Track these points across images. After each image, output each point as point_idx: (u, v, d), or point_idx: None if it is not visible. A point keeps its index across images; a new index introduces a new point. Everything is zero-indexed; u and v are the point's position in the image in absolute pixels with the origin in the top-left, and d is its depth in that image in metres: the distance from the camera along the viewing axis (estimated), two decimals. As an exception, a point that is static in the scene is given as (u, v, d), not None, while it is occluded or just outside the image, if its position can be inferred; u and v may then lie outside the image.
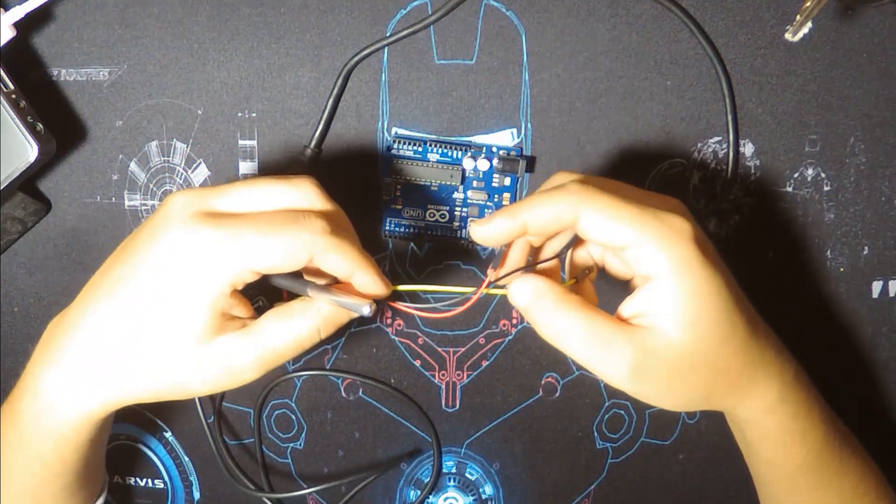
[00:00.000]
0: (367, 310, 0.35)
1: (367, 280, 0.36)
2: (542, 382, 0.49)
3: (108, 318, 0.35)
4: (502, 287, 0.37)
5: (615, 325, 0.34)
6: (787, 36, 0.44)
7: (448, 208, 0.46)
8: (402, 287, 0.37)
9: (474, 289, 0.37)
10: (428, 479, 0.50)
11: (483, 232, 0.36)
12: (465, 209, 0.46)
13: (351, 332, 0.48)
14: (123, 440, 0.51)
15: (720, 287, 0.34)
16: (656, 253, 0.33)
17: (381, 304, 0.37)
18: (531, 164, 0.46)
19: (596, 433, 0.50)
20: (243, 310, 0.36)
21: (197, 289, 0.34)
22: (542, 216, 0.35)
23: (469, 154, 0.45)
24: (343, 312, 0.36)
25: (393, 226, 0.46)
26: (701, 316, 0.34)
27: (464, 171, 0.45)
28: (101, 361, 0.35)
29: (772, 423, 0.38)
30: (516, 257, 0.38)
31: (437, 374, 0.49)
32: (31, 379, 0.36)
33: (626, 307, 0.35)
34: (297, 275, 0.37)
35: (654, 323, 0.34)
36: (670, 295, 0.33)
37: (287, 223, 0.34)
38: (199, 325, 0.34)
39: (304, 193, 0.36)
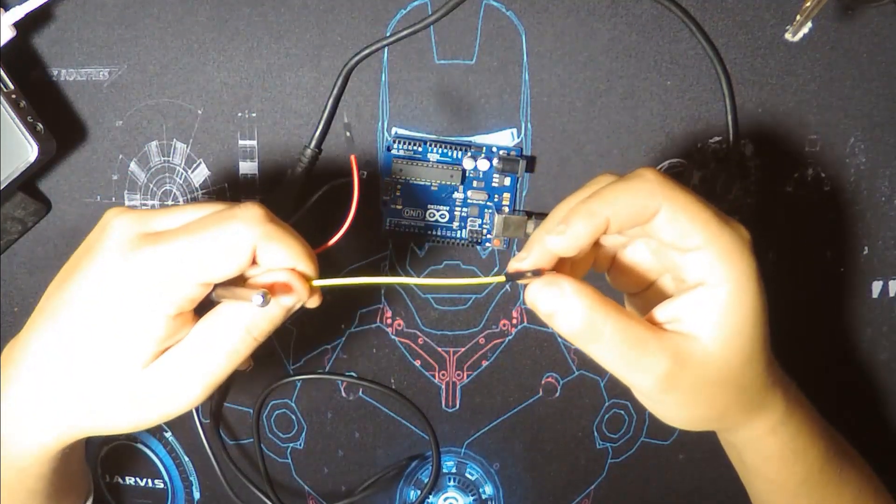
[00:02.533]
0: (258, 299, 0.31)
1: (308, 268, 0.34)
2: (542, 382, 0.49)
3: (50, 348, 0.33)
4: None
5: (650, 330, 0.32)
6: (787, 36, 0.44)
7: (448, 208, 0.46)
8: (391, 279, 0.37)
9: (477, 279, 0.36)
10: (428, 479, 0.50)
11: (563, 243, 0.32)
12: (465, 209, 0.46)
13: (351, 332, 0.48)
14: (123, 440, 0.51)
15: (764, 306, 0.33)
16: (721, 263, 0.32)
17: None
18: (531, 164, 0.46)
19: (596, 433, 0.50)
20: (188, 325, 0.33)
21: (139, 320, 0.32)
22: (625, 210, 0.32)
23: (469, 154, 0.45)
24: (273, 310, 0.33)
25: (393, 226, 0.46)
26: (741, 331, 0.33)
27: (464, 171, 0.45)
28: (48, 393, 0.33)
29: (774, 444, 0.37)
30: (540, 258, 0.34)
31: (437, 374, 0.49)
32: None
33: (663, 311, 0.33)
34: None
35: (692, 330, 0.33)
36: (720, 306, 0.32)
37: (221, 219, 0.32)
38: (142, 356, 0.32)
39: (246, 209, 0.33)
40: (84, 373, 0.33)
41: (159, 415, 0.34)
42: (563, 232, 0.32)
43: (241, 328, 0.33)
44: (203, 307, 0.34)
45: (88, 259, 0.33)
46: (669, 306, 0.33)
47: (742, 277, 0.32)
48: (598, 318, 0.32)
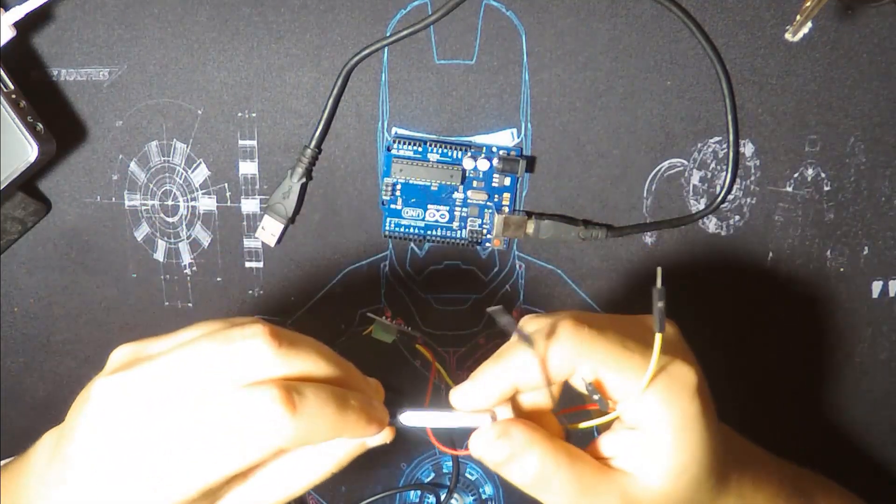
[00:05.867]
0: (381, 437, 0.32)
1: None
2: (542, 382, 0.49)
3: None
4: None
5: (598, 472, 0.32)
6: (787, 36, 0.44)
7: (448, 208, 0.46)
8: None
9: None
10: (428, 479, 0.50)
11: (464, 399, 0.33)
12: (465, 209, 0.46)
13: (351, 332, 0.48)
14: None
15: (710, 441, 0.32)
16: (659, 410, 0.31)
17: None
18: (531, 164, 0.46)
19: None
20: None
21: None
22: (534, 377, 0.32)
23: (469, 154, 0.45)
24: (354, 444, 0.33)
25: (393, 226, 0.46)
26: (688, 468, 0.32)
27: (464, 171, 0.45)
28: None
29: None
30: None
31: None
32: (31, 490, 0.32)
33: (608, 446, 0.33)
34: None
35: (635, 471, 0.32)
36: (664, 449, 0.32)
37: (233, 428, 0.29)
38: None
39: (250, 353, 0.29)
40: None
41: None
42: (467, 391, 0.33)
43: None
44: None
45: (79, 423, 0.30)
46: (613, 441, 0.33)
47: (686, 422, 0.32)
48: (548, 469, 0.32)
